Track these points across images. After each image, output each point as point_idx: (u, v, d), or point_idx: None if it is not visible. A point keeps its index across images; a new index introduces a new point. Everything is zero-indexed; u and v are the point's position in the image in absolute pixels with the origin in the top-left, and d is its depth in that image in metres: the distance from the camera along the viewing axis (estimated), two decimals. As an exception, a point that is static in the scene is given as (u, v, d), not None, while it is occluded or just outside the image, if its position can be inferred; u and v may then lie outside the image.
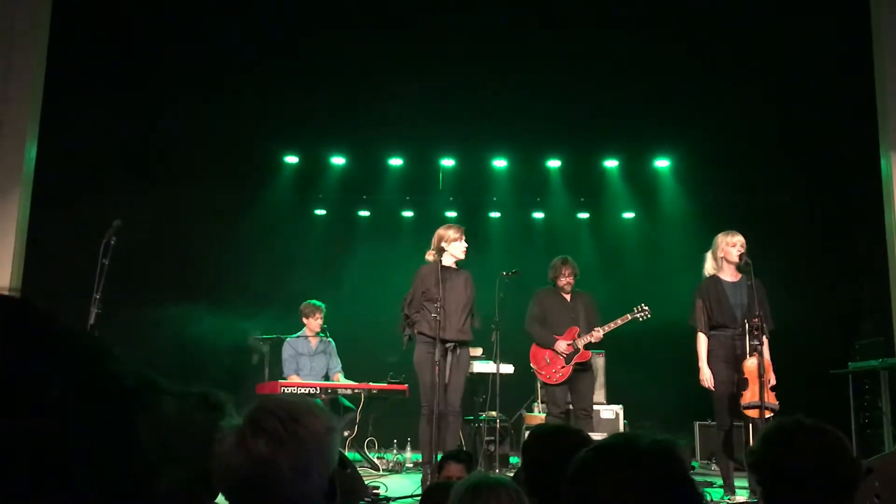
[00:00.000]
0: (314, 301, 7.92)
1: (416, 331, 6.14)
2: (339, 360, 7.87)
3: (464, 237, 6.30)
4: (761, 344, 5.46)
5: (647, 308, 6.60)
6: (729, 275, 5.88)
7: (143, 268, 8.21)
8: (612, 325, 6.60)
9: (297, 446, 1.49)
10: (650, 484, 1.25)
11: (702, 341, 5.86)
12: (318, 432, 1.53)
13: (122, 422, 0.53)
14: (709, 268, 5.99)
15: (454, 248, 6.21)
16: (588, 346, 6.59)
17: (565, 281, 6.74)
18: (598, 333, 6.55)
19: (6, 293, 0.54)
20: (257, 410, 1.53)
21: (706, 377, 5.78)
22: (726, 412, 5.72)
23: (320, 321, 7.82)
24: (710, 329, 5.85)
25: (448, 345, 5.95)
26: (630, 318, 6.60)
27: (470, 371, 7.52)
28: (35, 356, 0.51)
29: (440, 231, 6.32)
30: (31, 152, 6.01)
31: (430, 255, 6.28)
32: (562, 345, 6.55)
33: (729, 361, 5.72)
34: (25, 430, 0.49)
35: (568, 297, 6.77)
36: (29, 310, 0.54)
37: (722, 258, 5.89)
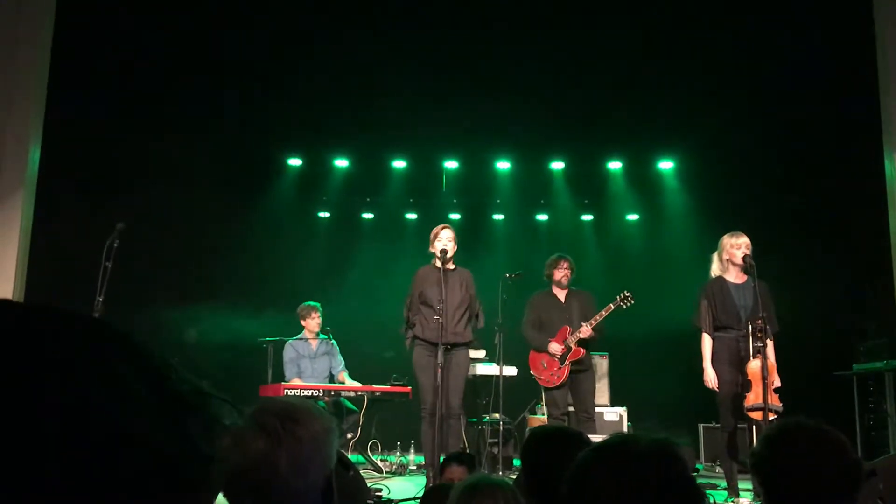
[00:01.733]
0: (310, 302, 7.88)
1: (413, 334, 6.15)
2: (342, 360, 7.84)
3: (442, 234, 6.18)
4: (765, 346, 5.44)
5: (629, 294, 6.58)
6: (734, 276, 5.87)
7: (146, 270, 8.23)
8: (598, 318, 6.57)
9: (295, 445, 1.52)
10: (650, 484, 1.25)
11: (706, 342, 5.84)
12: (317, 433, 1.56)
13: (185, 424, 0.59)
14: (715, 269, 5.99)
15: (435, 249, 6.18)
16: (581, 343, 6.55)
17: (562, 274, 6.71)
18: (585, 328, 6.52)
19: (89, 314, 0.61)
20: (258, 411, 1.58)
21: (710, 378, 5.77)
22: (730, 414, 5.71)
23: (318, 321, 7.79)
24: (715, 330, 5.83)
25: (439, 347, 5.90)
26: (613, 307, 6.58)
27: (473, 373, 7.52)
28: (123, 371, 0.57)
29: None
30: (35, 155, 6.03)
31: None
32: (554, 346, 6.54)
33: (733, 363, 5.71)
34: (117, 436, 0.54)
35: (562, 297, 6.74)
36: (109, 328, 0.60)
37: (727, 260, 5.88)
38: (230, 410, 0.68)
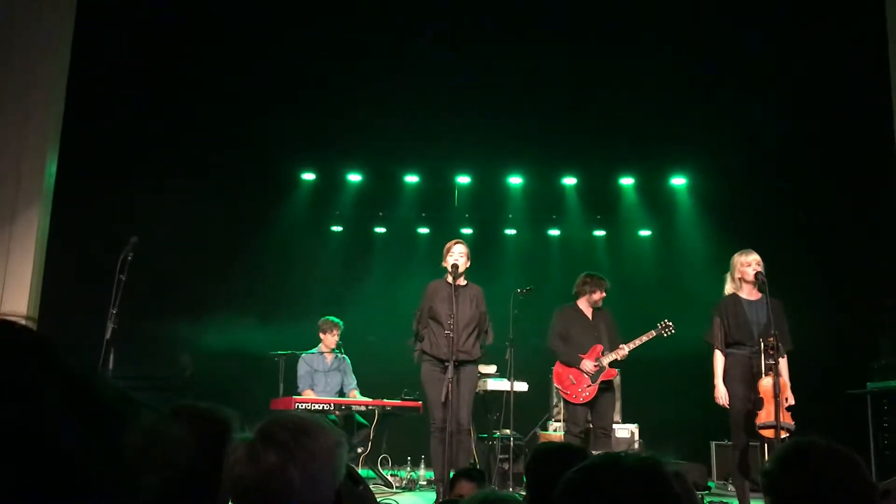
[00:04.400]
0: (332, 318, 7.90)
1: (421, 348, 6.13)
2: (354, 378, 7.85)
3: (454, 249, 6.16)
4: (776, 363, 5.41)
5: (670, 323, 6.49)
6: (748, 293, 5.85)
7: (159, 283, 8.26)
8: (638, 342, 6.47)
9: (307, 458, 1.53)
10: (635, 502, 1.26)
11: (718, 359, 5.81)
12: (327, 446, 1.57)
13: (108, 432, 0.59)
14: (728, 288, 5.96)
15: (447, 263, 6.17)
16: (612, 364, 6.51)
17: (601, 295, 6.63)
18: (623, 350, 6.43)
19: (7, 319, 0.61)
20: (268, 424, 1.59)
21: (721, 394, 5.74)
22: (742, 431, 5.67)
23: (337, 338, 7.81)
24: (728, 347, 5.80)
25: (446, 363, 5.87)
26: (655, 334, 6.48)
27: (484, 388, 7.50)
28: (33, 377, 0.58)
29: None
30: (52, 168, 6.10)
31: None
32: (588, 364, 6.40)
33: (745, 380, 5.67)
34: (27, 443, 0.54)
35: (590, 314, 6.67)
36: (25, 335, 0.61)
37: (739, 279, 5.86)
38: (160, 417, 0.69)
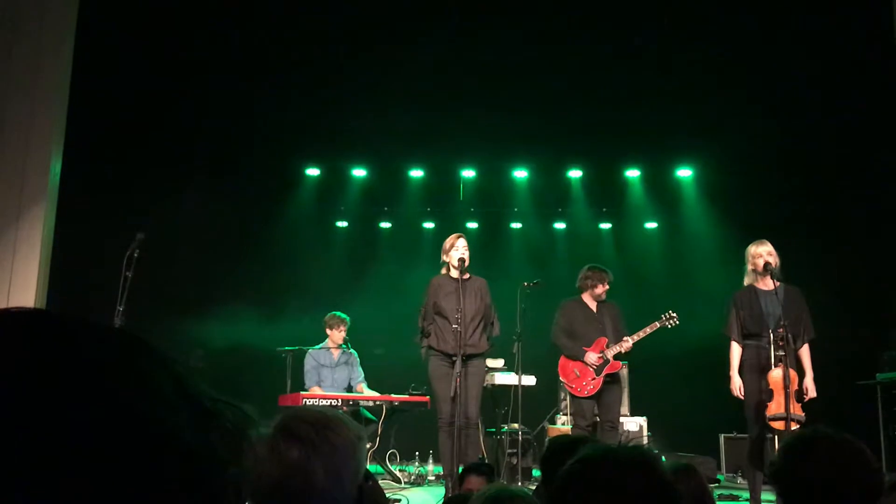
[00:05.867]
0: (339, 313, 7.88)
1: (428, 344, 6.11)
2: (361, 371, 7.84)
3: (458, 243, 6.12)
4: (786, 354, 5.39)
5: (675, 315, 6.47)
6: (763, 284, 5.82)
7: (165, 280, 8.28)
8: (642, 334, 6.45)
9: (330, 452, 1.50)
10: (629, 490, 1.32)
11: (734, 351, 5.79)
12: (349, 439, 1.55)
13: (205, 427, 0.63)
14: (747, 281, 5.94)
15: (451, 258, 6.16)
16: (616, 356, 6.49)
17: (604, 289, 6.60)
18: (627, 343, 6.41)
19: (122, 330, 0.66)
20: (288, 419, 1.56)
21: (736, 386, 5.72)
22: (754, 423, 5.66)
23: (344, 333, 7.80)
24: (744, 338, 5.78)
25: (454, 357, 5.86)
26: (659, 325, 6.46)
27: (492, 382, 7.49)
28: (154, 375, 0.62)
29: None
30: (56, 167, 6.09)
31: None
32: (592, 356, 6.38)
33: (759, 371, 5.66)
34: (150, 435, 0.58)
35: (594, 307, 6.64)
36: (135, 336, 0.65)
37: (752, 269, 5.83)
38: (244, 417, 0.72)
